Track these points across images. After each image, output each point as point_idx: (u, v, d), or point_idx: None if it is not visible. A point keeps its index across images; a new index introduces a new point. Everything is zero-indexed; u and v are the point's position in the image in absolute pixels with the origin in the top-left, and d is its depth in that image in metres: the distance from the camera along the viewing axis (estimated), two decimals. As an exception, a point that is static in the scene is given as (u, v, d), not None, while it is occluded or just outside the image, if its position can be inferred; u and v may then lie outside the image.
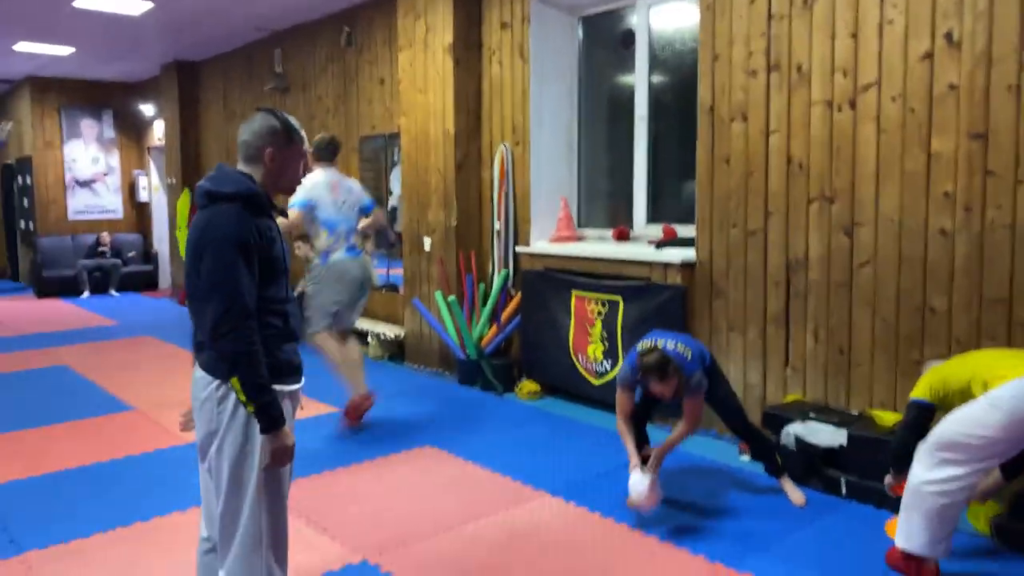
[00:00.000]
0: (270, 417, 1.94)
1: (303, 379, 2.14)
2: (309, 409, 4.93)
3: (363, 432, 4.50)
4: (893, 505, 3.29)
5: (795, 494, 3.43)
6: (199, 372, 2.04)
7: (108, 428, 4.67)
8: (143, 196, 11.84)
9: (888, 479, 2.98)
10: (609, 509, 3.37)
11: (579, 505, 3.42)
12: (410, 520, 3.28)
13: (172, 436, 4.47)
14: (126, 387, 5.61)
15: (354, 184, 4.85)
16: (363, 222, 4.71)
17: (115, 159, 11.72)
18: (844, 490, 3.46)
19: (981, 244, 3.33)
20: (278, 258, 2.04)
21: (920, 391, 2.84)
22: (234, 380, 1.91)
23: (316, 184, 4.52)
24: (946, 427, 2.64)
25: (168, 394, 5.36)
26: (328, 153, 4.70)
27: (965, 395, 2.67)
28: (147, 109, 11.25)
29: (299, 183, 2.19)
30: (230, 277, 1.90)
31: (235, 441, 1.98)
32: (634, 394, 3.43)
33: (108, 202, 11.66)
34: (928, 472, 2.65)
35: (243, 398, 1.92)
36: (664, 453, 3.33)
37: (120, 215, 11.77)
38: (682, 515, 3.30)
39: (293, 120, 2.13)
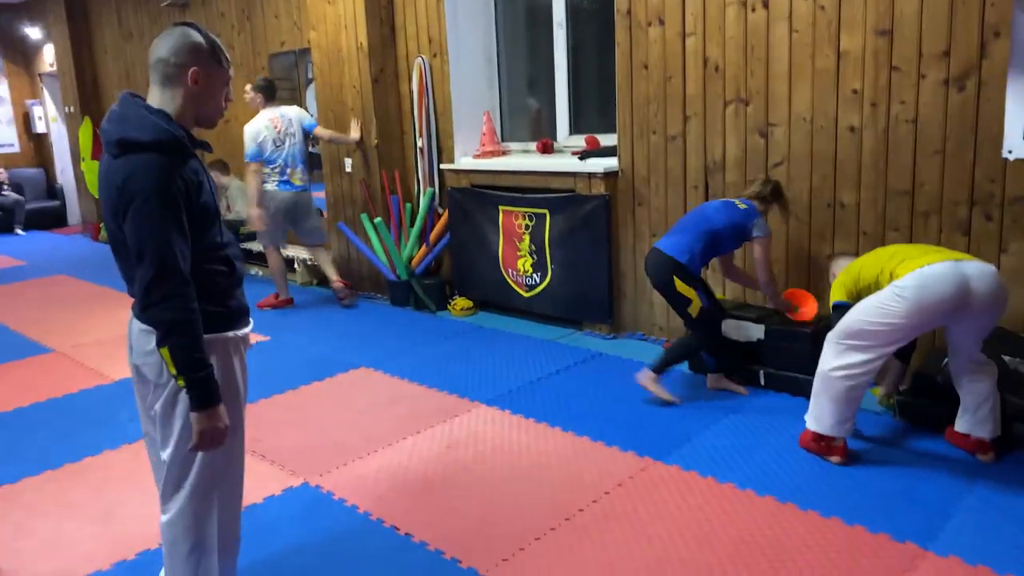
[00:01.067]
0: (204, 393, 1.75)
1: (251, 320, 2.02)
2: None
3: (298, 358, 4.48)
4: (807, 392, 3.50)
5: (739, 388, 3.62)
6: (137, 324, 1.87)
7: (27, 371, 4.51)
8: (39, 127, 11.08)
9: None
10: (542, 414, 3.48)
11: (514, 413, 3.53)
12: (347, 440, 3.33)
13: (95, 375, 4.36)
14: (42, 329, 5.40)
15: (291, 111, 5.51)
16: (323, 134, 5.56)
17: (3, 88, 10.87)
18: (762, 381, 3.66)
19: (887, 139, 3.45)
20: (208, 203, 1.83)
21: (837, 294, 2.97)
22: (164, 351, 1.72)
23: (260, 128, 5.31)
24: (853, 316, 2.80)
25: (87, 333, 5.19)
26: (270, 93, 5.44)
27: (875, 288, 2.82)
28: (34, 32, 10.39)
29: (221, 116, 1.90)
30: (159, 239, 1.69)
31: (174, 396, 1.84)
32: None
33: (1, 135, 10.87)
34: (835, 359, 2.82)
35: (173, 371, 1.72)
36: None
37: (16, 148, 11.02)
38: (612, 416, 3.44)
39: (218, 42, 1.85)
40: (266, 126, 5.32)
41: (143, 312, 1.77)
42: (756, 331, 3.66)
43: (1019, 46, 3.06)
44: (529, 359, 4.28)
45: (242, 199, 7.11)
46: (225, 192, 7.14)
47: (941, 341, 3.32)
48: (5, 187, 10.24)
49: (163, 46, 1.80)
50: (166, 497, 1.95)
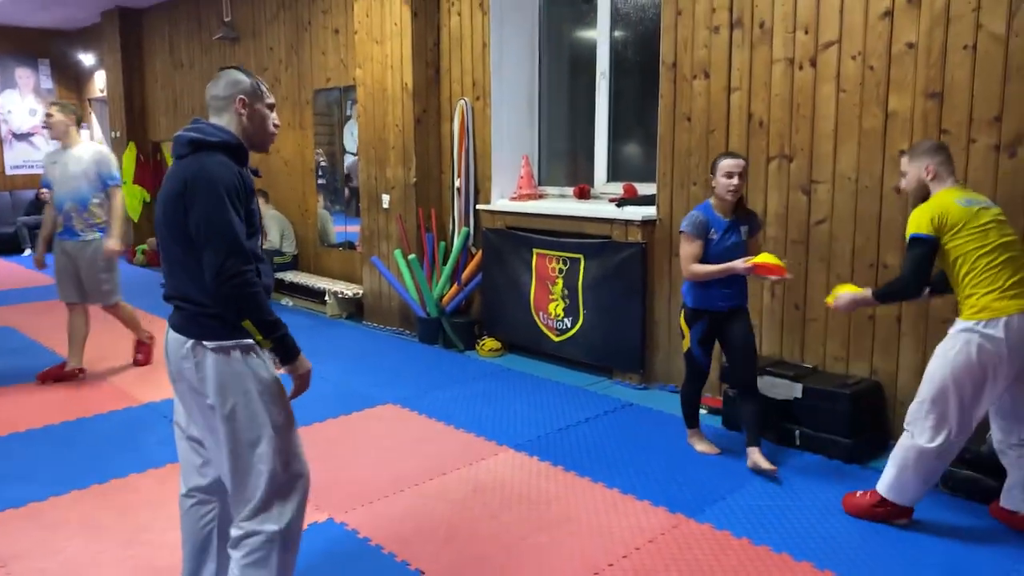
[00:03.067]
0: (288, 348, 1.96)
1: None
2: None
3: (326, 390, 4.47)
4: (843, 455, 3.42)
5: (767, 463, 3.24)
6: (172, 333, 2.01)
7: (59, 390, 4.54)
8: (85, 150, 11.37)
9: (845, 298, 2.90)
10: (571, 463, 3.42)
11: (542, 460, 3.47)
12: (373, 477, 3.29)
13: (125, 397, 4.37)
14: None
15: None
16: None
17: (54, 111, 11.19)
18: (798, 441, 3.57)
19: (934, 202, 3.40)
20: (254, 212, 2.01)
21: (919, 222, 2.66)
22: (246, 323, 1.89)
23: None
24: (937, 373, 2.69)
25: (119, 354, 5.23)
26: (79, 121, 4.77)
27: (958, 235, 2.62)
28: (87, 59, 10.75)
29: (271, 141, 2.14)
30: (227, 222, 1.87)
31: (227, 404, 1.94)
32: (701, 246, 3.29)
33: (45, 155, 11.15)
34: (933, 434, 2.68)
35: (259, 337, 1.91)
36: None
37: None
38: (644, 469, 3.37)
39: (259, 78, 2.12)
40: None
41: (216, 290, 1.87)
42: (793, 390, 3.59)
43: (1074, 115, 3.03)
44: (558, 405, 4.22)
45: (277, 229, 7.21)
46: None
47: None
48: (48, 206, 10.47)
49: (213, 87, 2.06)
50: (241, 503, 2.00)
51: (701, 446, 3.56)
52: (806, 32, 3.73)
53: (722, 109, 4.09)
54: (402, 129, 5.67)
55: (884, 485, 2.82)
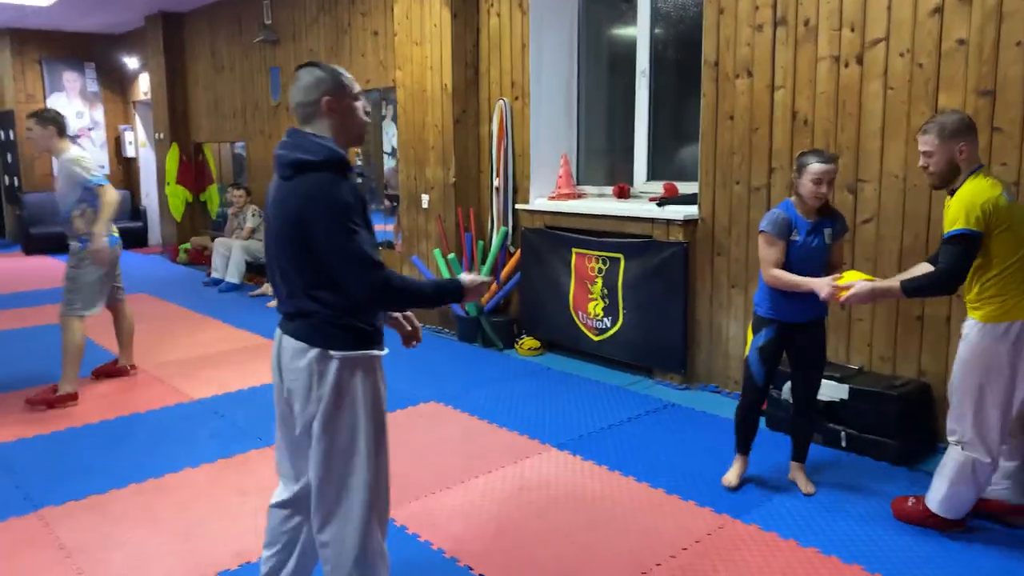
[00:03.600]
0: (454, 293, 2.07)
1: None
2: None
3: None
4: (891, 457, 3.39)
5: (808, 485, 3.14)
6: (291, 341, 1.98)
7: (112, 387, 4.67)
8: (129, 151, 11.65)
9: (864, 289, 2.70)
10: (615, 462, 3.43)
11: (586, 459, 3.49)
12: (419, 475, 3.34)
13: (176, 394, 4.49)
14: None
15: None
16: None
17: (99, 113, 11.49)
18: (844, 443, 3.54)
19: (985, 201, 3.35)
20: (370, 221, 1.98)
21: (968, 220, 2.52)
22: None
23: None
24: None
25: (168, 352, 5.36)
26: (62, 129, 4.40)
27: (1004, 233, 2.53)
28: (131, 62, 10.99)
29: (365, 132, 2.07)
30: (356, 244, 1.86)
31: (339, 413, 1.95)
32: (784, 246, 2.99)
33: (94, 157, 11.44)
34: (984, 447, 2.65)
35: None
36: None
37: (107, 171, 11.58)
38: (688, 469, 3.37)
39: (339, 68, 2.02)
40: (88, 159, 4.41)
41: (374, 309, 1.97)
42: (840, 391, 3.56)
43: None
44: (599, 404, 4.24)
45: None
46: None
47: None
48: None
49: (295, 91, 2.00)
50: (330, 514, 2.01)
51: (729, 474, 3.21)
52: (852, 30, 3.70)
53: (765, 107, 4.07)
54: (441, 130, 5.72)
55: (935, 502, 2.73)
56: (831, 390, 3.58)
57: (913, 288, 2.65)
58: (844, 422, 3.56)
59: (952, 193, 2.66)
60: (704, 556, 2.66)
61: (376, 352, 2.00)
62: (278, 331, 2.06)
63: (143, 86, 10.92)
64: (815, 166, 2.92)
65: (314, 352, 1.94)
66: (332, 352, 1.94)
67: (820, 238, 3.01)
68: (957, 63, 3.38)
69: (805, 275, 2.95)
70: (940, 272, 2.60)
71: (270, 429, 3.83)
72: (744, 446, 3.23)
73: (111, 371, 4.83)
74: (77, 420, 4.06)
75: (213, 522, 2.93)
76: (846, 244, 3.83)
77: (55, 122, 4.36)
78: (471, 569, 2.60)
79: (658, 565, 2.61)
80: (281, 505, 2.17)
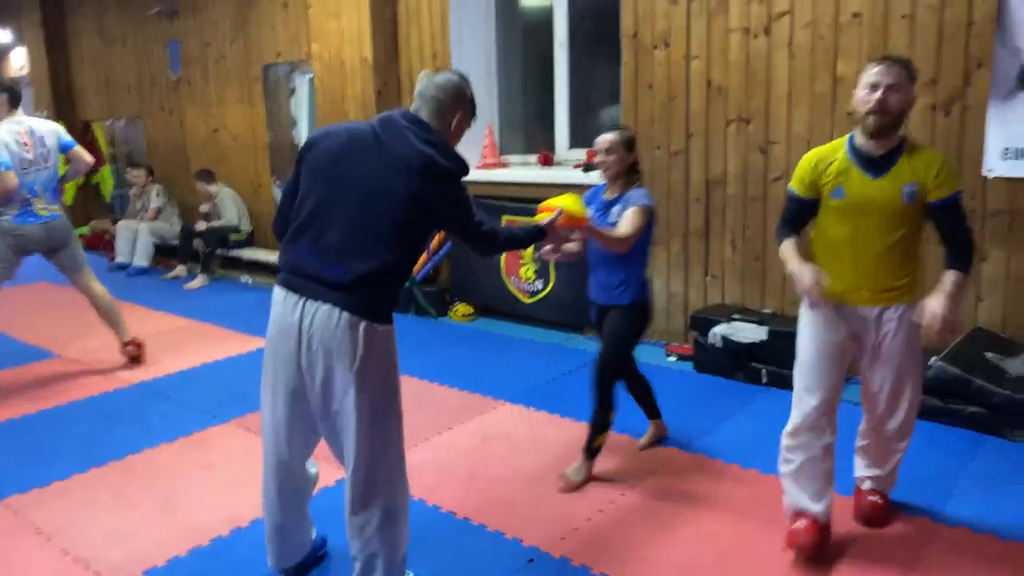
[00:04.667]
0: (532, 235, 2.41)
1: None
2: (246, 344, 4.96)
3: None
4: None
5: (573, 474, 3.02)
6: (332, 308, 1.99)
7: (39, 376, 4.52)
8: (5, 132, 10.85)
9: (938, 314, 2.23)
10: (566, 411, 3.69)
11: (539, 409, 3.73)
12: (384, 436, 3.48)
13: (114, 380, 4.40)
14: (38, 335, 5.38)
15: (43, 126, 4.36)
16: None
17: (-33, 92, 10.61)
18: (765, 379, 3.95)
19: (879, 158, 3.79)
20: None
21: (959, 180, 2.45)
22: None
23: (6, 139, 4.09)
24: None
25: (93, 338, 5.19)
26: (15, 100, 4.28)
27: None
28: (2, 35, 10.20)
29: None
30: (478, 220, 2.18)
31: (377, 375, 2.06)
32: None
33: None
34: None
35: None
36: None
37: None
38: (630, 412, 3.67)
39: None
40: (15, 140, 4.13)
41: (488, 255, 2.42)
42: (759, 332, 3.95)
43: (999, 76, 3.43)
44: (539, 361, 4.49)
45: (234, 207, 7.17)
46: (212, 200, 7.19)
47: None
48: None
49: (438, 85, 2.15)
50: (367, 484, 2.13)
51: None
52: (760, 3, 4.03)
53: (682, 77, 4.37)
54: (362, 102, 5.74)
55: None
56: (752, 332, 3.97)
57: (969, 265, 2.35)
58: (764, 361, 3.95)
59: (898, 148, 2.30)
60: (663, 482, 2.96)
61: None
62: (299, 300, 2.03)
63: (16, 61, 10.18)
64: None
65: (364, 324, 2.00)
66: (377, 326, 2.03)
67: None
68: (853, 35, 3.78)
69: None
70: (970, 238, 2.35)
71: (222, 406, 3.87)
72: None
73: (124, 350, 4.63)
74: (14, 411, 3.94)
75: (195, 495, 2.98)
76: (759, 201, 4.21)
77: (11, 92, 4.24)
78: (454, 514, 2.80)
79: (622, 495, 2.89)
80: (282, 477, 2.27)
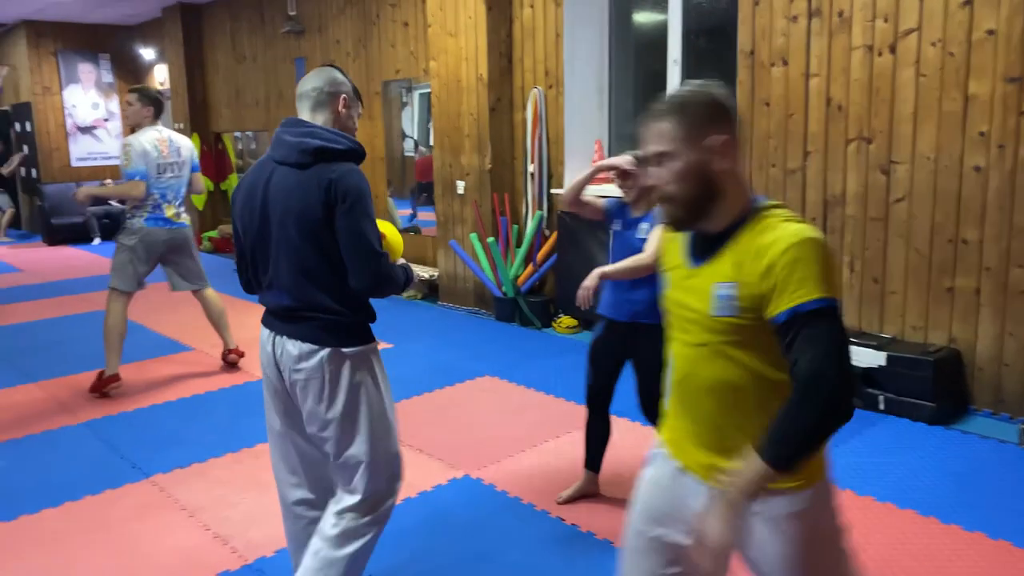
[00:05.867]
0: (409, 276, 2.13)
1: None
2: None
3: (424, 364, 4.79)
4: (926, 418, 3.68)
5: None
6: (298, 344, 1.99)
7: (178, 367, 4.91)
8: (145, 142, 11.78)
9: None
10: (672, 427, 3.70)
11: (644, 424, 3.75)
12: (493, 439, 3.60)
13: (239, 374, 4.72)
14: (175, 329, 5.82)
15: (180, 139, 4.62)
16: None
17: (115, 104, 11.61)
18: (882, 405, 3.83)
19: (1013, 179, 3.63)
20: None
21: (821, 286, 1.30)
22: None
23: (147, 147, 4.35)
24: None
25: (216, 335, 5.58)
26: (159, 109, 4.53)
27: None
28: (147, 53, 11.10)
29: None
30: (376, 233, 1.97)
31: (360, 400, 2.03)
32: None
33: (111, 148, 11.59)
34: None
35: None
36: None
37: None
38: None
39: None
40: (154, 146, 4.39)
41: (374, 291, 1.98)
42: (877, 358, 3.84)
43: None
44: (644, 376, 4.50)
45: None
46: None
47: None
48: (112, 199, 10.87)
49: (314, 79, 2.09)
50: (355, 487, 2.08)
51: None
52: (885, 20, 3.95)
53: (800, 94, 4.32)
54: (477, 118, 5.94)
55: None
56: (869, 357, 3.86)
57: (786, 458, 1.28)
58: (882, 387, 3.84)
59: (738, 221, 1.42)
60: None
61: (374, 344, 2.10)
62: (270, 332, 2.07)
63: (159, 76, 11.04)
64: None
65: (326, 352, 1.98)
66: (345, 350, 2.00)
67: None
68: (986, 53, 3.64)
69: None
70: (819, 402, 1.27)
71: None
72: None
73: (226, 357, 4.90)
74: (157, 398, 4.30)
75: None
76: (879, 222, 4.10)
77: (156, 103, 4.47)
78: (563, 519, 2.87)
79: (731, 513, 2.88)
80: (300, 510, 2.23)
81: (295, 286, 1.98)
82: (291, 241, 1.96)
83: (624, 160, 2.77)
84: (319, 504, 2.20)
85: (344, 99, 2.08)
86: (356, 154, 2.04)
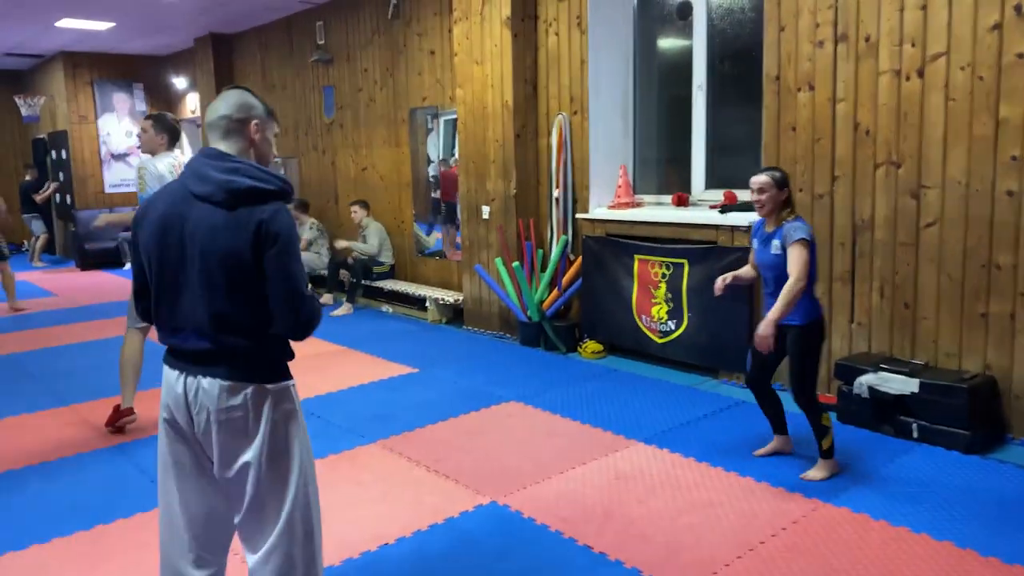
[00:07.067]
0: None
1: None
2: (388, 370, 5.23)
3: (450, 390, 4.79)
4: (961, 446, 3.60)
5: (815, 473, 3.36)
6: (217, 382, 1.87)
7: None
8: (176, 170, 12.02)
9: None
10: (701, 454, 3.66)
11: (672, 451, 3.72)
12: (519, 466, 3.58)
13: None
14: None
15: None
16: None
17: (148, 132, 11.87)
18: (915, 434, 3.76)
19: (1047, 204, 3.57)
20: None
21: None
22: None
23: (165, 172, 4.13)
24: None
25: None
26: (175, 137, 4.35)
27: None
28: (179, 82, 11.37)
29: (271, 163, 2.04)
30: (303, 273, 1.90)
31: (286, 437, 1.93)
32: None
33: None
34: None
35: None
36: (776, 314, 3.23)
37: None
38: (771, 460, 3.60)
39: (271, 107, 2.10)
40: (171, 171, 4.15)
41: (299, 335, 1.89)
42: (910, 385, 3.77)
43: None
44: (672, 402, 4.47)
45: (376, 239, 7.58)
46: (359, 226, 7.66)
47: None
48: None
49: (221, 105, 1.96)
50: (272, 540, 1.94)
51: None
52: (913, 45, 3.93)
53: (827, 119, 4.31)
54: (502, 144, 5.99)
55: None
56: (901, 384, 3.80)
57: None
58: (915, 414, 3.77)
59: None
60: (804, 535, 2.88)
61: (293, 381, 2.01)
62: (179, 373, 1.92)
63: (191, 104, 11.29)
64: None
65: (250, 389, 1.88)
66: (268, 386, 1.91)
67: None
68: (1017, 76, 3.61)
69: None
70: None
71: (368, 427, 4.11)
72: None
73: None
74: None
75: (344, 509, 3.18)
76: (910, 247, 4.05)
77: (172, 132, 4.33)
78: (591, 548, 2.84)
79: (762, 543, 2.83)
80: (197, 567, 2.02)
81: (212, 327, 1.87)
82: (212, 281, 1.85)
83: (758, 181, 3.45)
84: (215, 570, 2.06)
85: (255, 125, 1.97)
86: (285, 194, 1.93)
